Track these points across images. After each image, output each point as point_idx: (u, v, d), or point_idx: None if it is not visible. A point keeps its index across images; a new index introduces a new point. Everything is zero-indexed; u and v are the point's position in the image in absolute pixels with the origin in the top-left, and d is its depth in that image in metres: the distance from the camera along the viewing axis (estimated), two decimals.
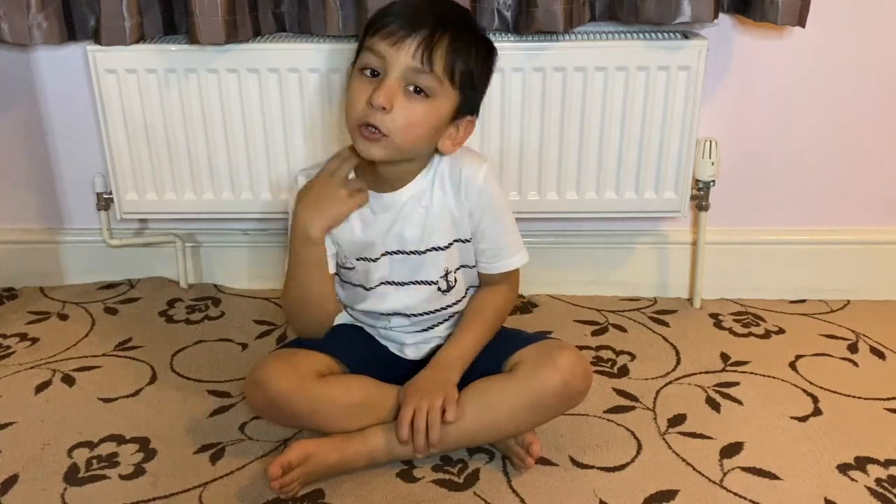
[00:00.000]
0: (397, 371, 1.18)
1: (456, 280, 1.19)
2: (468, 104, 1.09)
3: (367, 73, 1.04)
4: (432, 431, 1.06)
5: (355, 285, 1.20)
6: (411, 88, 1.03)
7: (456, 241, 1.16)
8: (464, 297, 1.22)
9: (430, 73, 1.02)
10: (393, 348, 1.24)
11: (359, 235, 1.15)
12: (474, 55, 1.07)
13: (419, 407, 1.07)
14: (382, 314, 1.20)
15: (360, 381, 1.15)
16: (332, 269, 1.17)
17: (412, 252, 1.15)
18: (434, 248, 1.15)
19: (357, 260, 1.17)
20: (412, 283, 1.17)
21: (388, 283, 1.18)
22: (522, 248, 1.20)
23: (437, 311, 1.20)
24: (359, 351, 1.20)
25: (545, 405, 1.10)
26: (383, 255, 1.16)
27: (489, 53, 1.11)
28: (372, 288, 1.18)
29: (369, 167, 1.12)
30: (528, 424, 1.11)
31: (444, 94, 1.05)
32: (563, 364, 1.09)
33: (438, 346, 1.20)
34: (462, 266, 1.19)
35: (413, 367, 1.17)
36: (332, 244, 1.17)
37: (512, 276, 1.22)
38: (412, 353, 1.23)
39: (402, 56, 1.01)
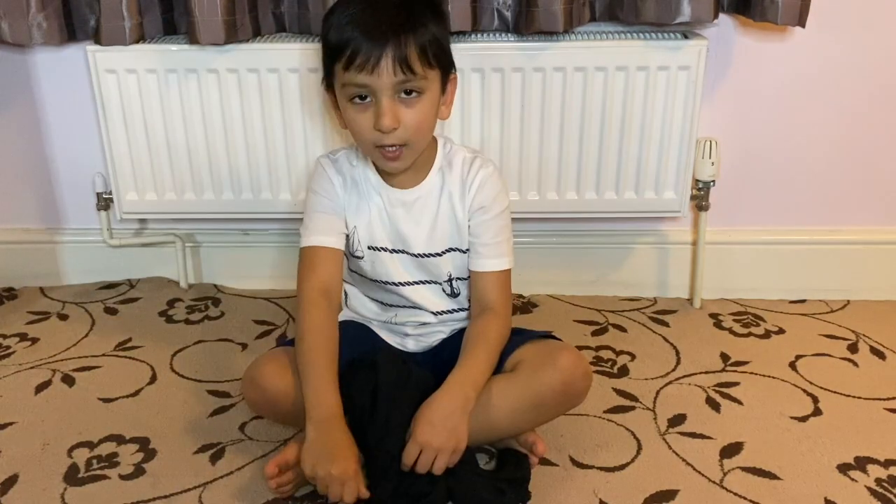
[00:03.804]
0: None
1: (460, 290, 1.21)
2: (447, 70, 1.11)
3: (357, 100, 1.06)
4: (434, 472, 1.02)
5: (363, 277, 1.22)
6: (404, 95, 1.06)
7: (454, 249, 1.18)
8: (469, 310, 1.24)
9: (414, 77, 1.04)
10: (393, 341, 1.24)
11: (374, 223, 1.17)
12: (433, 28, 1.06)
13: (426, 449, 1.01)
14: (390, 305, 1.23)
15: None
16: (342, 246, 1.17)
17: (418, 255, 1.18)
18: (436, 254, 1.18)
19: (368, 249, 1.18)
20: (420, 282, 1.20)
21: (398, 282, 1.19)
22: (508, 255, 1.18)
23: (445, 312, 1.21)
24: (357, 350, 1.20)
25: (545, 405, 1.10)
26: (393, 251, 1.18)
27: (436, 10, 1.11)
28: (380, 281, 1.20)
29: None
30: (528, 424, 1.11)
31: (430, 80, 1.07)
32: (563, 364, 1.09)
33: (441, 340, 1.22)
34: (462, 279, 1.21)
35: (413, 361, 1.16)
36: (342, 229, 1.17)
37: (501, 306, 1.16)
38: (413, 345, 1.24)
39: (385, 78, 1.03)
